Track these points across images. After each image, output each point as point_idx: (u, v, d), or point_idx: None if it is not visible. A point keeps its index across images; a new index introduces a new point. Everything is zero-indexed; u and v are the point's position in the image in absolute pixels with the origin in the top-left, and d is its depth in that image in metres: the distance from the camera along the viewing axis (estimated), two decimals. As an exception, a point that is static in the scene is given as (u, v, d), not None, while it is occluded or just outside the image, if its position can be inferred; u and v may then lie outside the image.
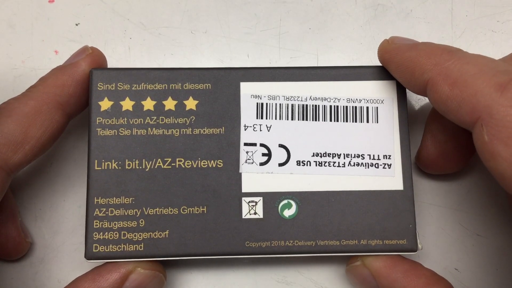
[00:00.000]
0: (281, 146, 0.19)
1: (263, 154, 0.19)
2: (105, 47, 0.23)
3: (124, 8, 0.24)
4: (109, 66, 0.23)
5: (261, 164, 0.19)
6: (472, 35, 0.24)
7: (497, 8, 0.24)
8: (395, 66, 0.19)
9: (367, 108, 0.20)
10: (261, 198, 0.19)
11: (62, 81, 0.19)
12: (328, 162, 0.19)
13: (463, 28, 0.23)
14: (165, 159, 0.19)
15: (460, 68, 0.16)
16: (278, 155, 0.19)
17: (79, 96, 0.20)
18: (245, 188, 0.19)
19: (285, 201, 0.19)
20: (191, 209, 0.19)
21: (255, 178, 0.19)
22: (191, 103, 0.19)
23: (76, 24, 0.24)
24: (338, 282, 0.22)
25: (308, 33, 0.23)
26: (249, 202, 0.19)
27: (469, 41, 0.23)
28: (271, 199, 0.19)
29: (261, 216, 0.19)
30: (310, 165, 0.19)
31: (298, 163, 0.19)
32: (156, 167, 0.19)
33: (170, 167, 0.19)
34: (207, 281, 0.22)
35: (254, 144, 0.19)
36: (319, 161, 0.19)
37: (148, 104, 0.19)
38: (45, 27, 0.24)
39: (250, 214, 0.19)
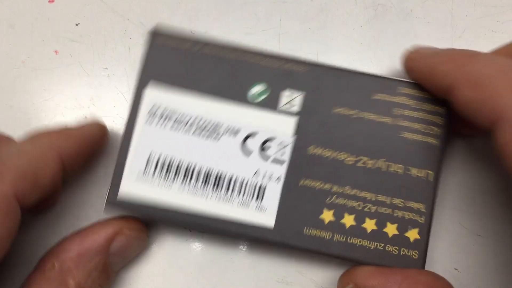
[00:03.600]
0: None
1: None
2: (105, 47, 0.23)
3: (124, 8, 0.24)
4: (108, 65, 0.23)
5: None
6: (472, 35, 0.24)
7: (497, 8, 0.24)
8: (417, 73, 0.19)
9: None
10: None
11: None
12: None
13: (463, 28, 0.23)
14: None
15: (480, 71, 0.16)
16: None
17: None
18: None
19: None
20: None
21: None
22: None
23: (76, 24, 0.24)
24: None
25: (308, 33, 0.23)
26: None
27: (469, 41, 0.23)
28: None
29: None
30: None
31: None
32: None
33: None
34: (207, 281, 0.22)
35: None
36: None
37: None
38: (45, 27, 0.24)
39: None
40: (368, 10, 0.24)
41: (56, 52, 0.23)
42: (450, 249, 0.22)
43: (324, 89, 0.20)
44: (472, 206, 0.22)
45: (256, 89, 0.20)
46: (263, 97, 0.20)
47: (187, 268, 0.22)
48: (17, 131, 0.23)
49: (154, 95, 0.20)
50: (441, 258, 0.22)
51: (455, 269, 0.22)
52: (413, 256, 0.19)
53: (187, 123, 0.20)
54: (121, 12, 0.24)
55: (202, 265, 0.22)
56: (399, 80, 0.20)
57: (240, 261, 0.22)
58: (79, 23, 0.24)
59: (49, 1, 0.24)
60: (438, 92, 0.18)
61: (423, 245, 0.19)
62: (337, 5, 0.24)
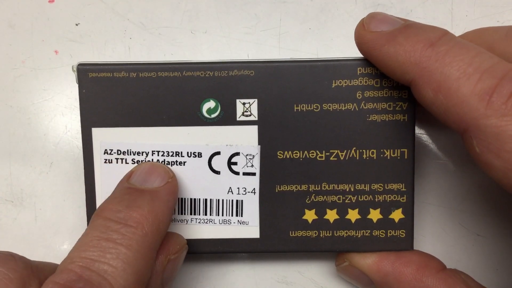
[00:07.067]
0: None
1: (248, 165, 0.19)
2: (105, 47, 0.23)
3: (124, 8, 0.24)
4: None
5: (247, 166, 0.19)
6: (472, 35, 0.24)
7: (497, 8, 0.24)
8: (374, 61, 0.18)
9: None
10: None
11: None
12: None
13: (463, 28, 0.23)
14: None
15: (443, 71, 0.15)
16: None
17: None
18: None
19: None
20: None
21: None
22: None
23: (76, 24, 0.24)
24: (338, 282, 0.22)
25: (308, 33, 0.23)
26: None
27: (469, 41, 0.23)
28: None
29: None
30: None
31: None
32: None
33: None
34: (207, 281, 0.22)
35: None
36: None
37: None
38: (45, 27, 0.24)
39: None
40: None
41: (56, 52, 0.23)
42: (450, 249, 0.22)
43: (279, 89, 0.19)
44: (472, 206, 0.22)
45: (207, 106, 0.19)
46: (216, 113, 0.19)
47: (187, 268, 0.22)
48: (17, 131, 0.23)
49: (104, 132, 0.19)
50: (441, 258, 0.22)
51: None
52: (401, 236, 0.19)
53: (147, 154, 0.19)
54: (121, 12, 0.24)
55: (202, 265, 0.22)
56: (357, 60, 0.19)
57: (240, 261, 0.22)
58: (79, 23, 0.24)
59: (49, 1, 0.24)
60: (399, 81, 0.17)
61: (408, 223, 0.19)
62: (337, 5, 0.24)
